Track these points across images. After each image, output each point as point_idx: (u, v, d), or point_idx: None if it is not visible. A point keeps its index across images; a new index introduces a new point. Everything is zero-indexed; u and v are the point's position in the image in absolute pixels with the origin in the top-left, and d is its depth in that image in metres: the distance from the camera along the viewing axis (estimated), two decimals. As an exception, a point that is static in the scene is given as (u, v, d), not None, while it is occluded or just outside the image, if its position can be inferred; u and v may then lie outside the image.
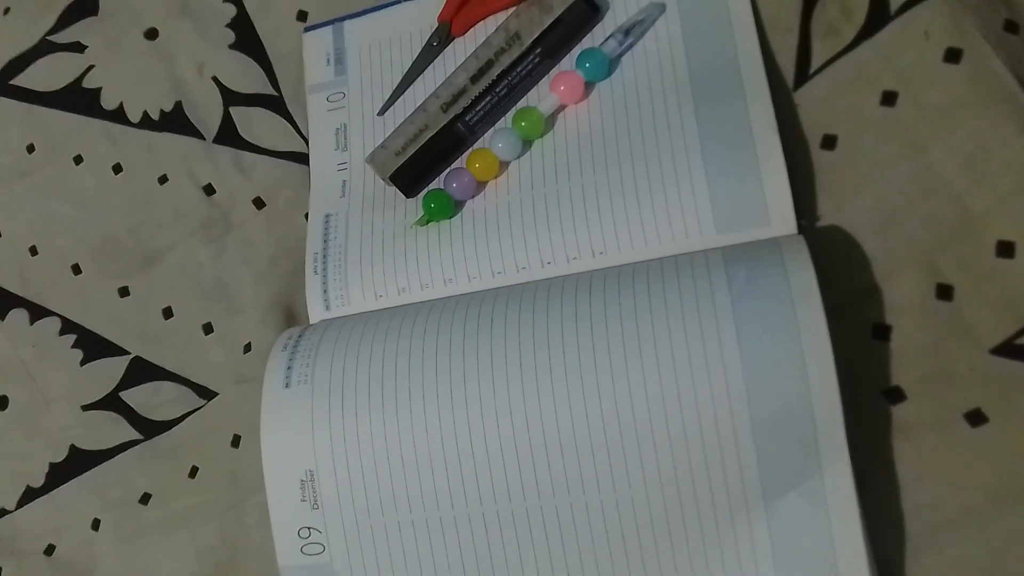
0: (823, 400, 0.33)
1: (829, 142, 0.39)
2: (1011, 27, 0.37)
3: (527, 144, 0.42)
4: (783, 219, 0.37)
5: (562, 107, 0.42)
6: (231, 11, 0.51)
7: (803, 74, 0.40)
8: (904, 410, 0.36)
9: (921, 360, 0.36)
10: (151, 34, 0.52)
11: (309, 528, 0.38)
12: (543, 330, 0.36)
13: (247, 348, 0.46)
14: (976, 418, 0.35)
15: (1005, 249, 0.35)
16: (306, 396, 0.38)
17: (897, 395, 0.36)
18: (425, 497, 0.37)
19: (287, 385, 0.39)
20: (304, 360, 0.39)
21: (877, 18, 0.39)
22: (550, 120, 0.42)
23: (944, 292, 0.36)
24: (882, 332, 0.36)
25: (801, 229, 0.37)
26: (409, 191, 0.43)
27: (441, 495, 0.36)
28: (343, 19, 0.48)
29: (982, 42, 0.37)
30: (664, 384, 0.34)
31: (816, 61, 0.40)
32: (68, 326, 0.50)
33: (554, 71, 0.43)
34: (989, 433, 0.34)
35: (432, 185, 0.43)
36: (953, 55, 0.37)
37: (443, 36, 0.46)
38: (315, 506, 0.38)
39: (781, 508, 0.33)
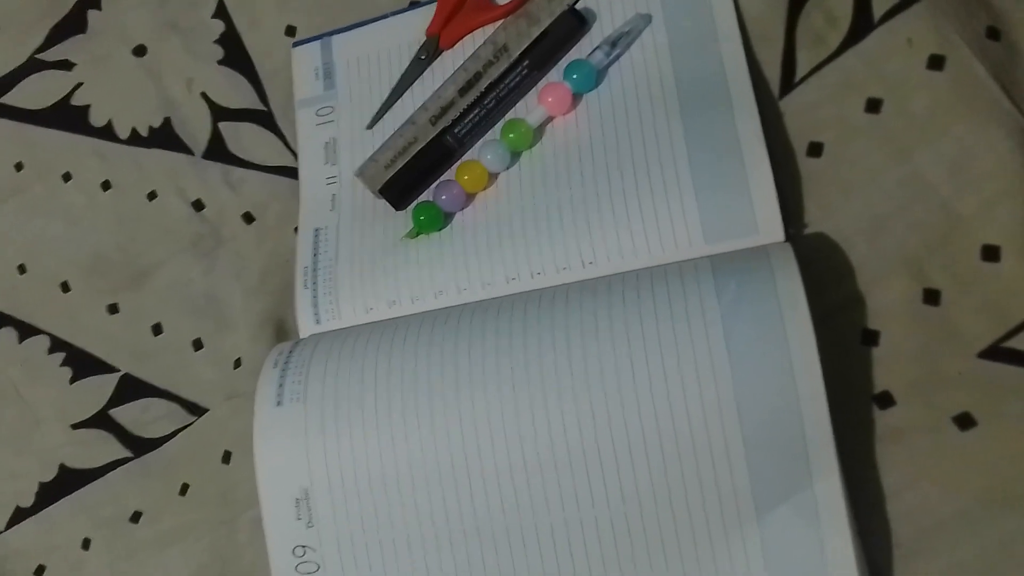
0: (812, 413, 0.33)
1: (815, 150, 0.39)
2: (993, 34, 0.38)
3: (516, 156, 0.42)
4: (771, 228, 0.37)
5: (550, 118, 0.43)
6: (220, 27, 0.51)
7: (788, 82, 0.40)
8: (894, 415, 0.36)
9: (910, 365, 0.36)
10: (139, 51, 0.53)
11: (304, 547, 0.38)
12: (535, 345, 0.36)
13: (237, 363, 0.46)
14: (965, 422, 0.35)
15: (991, 253, 0.36)
16: (299, 414, 0.38)
17: (887, 400, 0.36)
18: (420, 514, 0.36)
19: (279, 403, 0.38)
20: (296, 377, 0.39)
21: (861, 26, 0.39)
22: (538, 132, 0.42)
23: (931, 297, 0.36)
24: (871, 337, 0.37)
25: (789, 237, 0.37)
26: (398, 204, 0.43)
27: (436, 512, 0.36)
28: (331, 34, 0.48)
29: (965, 49, 0.37)
30: (656, 398, 0.34)
31: (801, 69, 0.40)
32: (57, 344, 0.50)
33: (542, 83, 0.43)
34: (979, 436, 0.34)
35: (421, 197, 0.43)
36: (936, 62, 0.38)
37: (431, 49, 0.46)
38: (310, 524, 0.37)
39: (773, 521, 0.33)
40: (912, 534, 0.34)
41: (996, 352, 0.35)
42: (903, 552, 0.34)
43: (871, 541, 0.35)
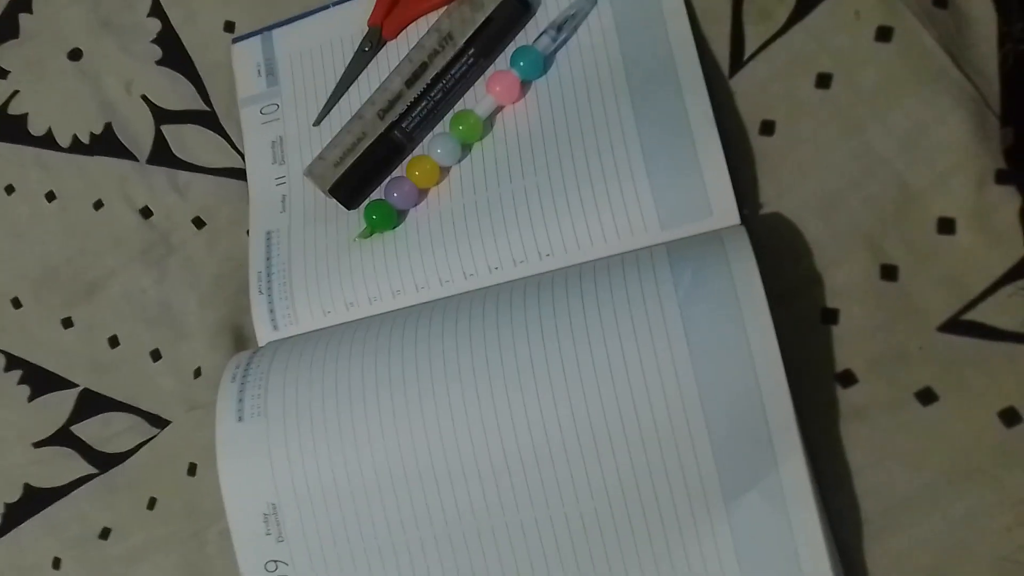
0: (773, 395, 0.33)
1: (767, 128, 0.38)
2: (940, 2, 0.37)
3: (466, 148, 0.42)
4: (725, 210, 0.37)
5: (499, 108, 0.42)
6: (156, 26, 0.50)
7: (738, 60, 0.39)
8: (856, 393, 0.36)
9: (870, 342, 0.36)
10: (75, 55, 0.51)
11: (276, 561, 0.37)
12: (495, 343, 0.36)
13: (197, 373, 0.45)
14: (927, 396, 0.35)
15: (946, 226, 0.36)
16: (261, 429, 0.37)
17: (849, 378, 0.36)
18: (390, 521, 0.36)
19: (240, 419, 0.38)
20: (255, 391, 0.38)
21: (808, 0, 0.38)
22: (488, 122, 0.42)
23: (889, 272, 0.36)
24: (830, 316, 0.36)
25: (744, 218, 0.37)
26: (350, 203, 0.42)
27: (406, 518, 0.36)
28: (271, 28, 0.47)
29: (912, 19, 0.37)
30: (619, 389, 0.34)
31: (750, 47, 0.39)
32: (13, 362, 0.49)
33: (489, 71, 0.43)
34: (941, 411, 0.35)
35: (373, 196, 0.43)
36: (884, 33, 0.37)
37: (374, 40, 0.45)
38: (280, 539, 0.37)
39: (741, 507, 0.33)
40: (878, 510, 0.35)
41: (955, 325, 0.35)
42: (871, 528, 0.35)
43: (839, 519, 0.35)
